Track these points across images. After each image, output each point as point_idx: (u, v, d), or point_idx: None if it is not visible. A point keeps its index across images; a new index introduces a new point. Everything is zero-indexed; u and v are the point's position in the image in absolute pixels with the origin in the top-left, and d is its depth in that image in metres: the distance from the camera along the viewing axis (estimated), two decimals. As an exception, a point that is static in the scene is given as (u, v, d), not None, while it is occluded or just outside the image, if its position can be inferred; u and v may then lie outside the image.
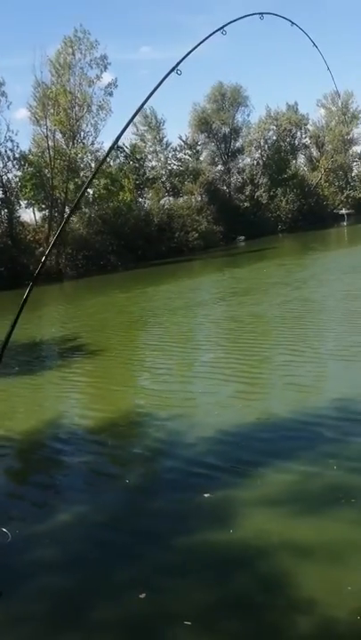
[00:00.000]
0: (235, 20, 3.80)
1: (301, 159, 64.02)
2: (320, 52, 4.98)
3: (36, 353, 13.84)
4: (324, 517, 4.73)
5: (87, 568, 4.45)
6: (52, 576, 4.34)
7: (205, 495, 5.29)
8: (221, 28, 3.32)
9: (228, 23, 3.58)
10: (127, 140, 45.85)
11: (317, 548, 4.33)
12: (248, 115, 56.05)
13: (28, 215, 39.38)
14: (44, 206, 38.54)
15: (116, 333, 14.67)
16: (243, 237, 47.44)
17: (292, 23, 4.66)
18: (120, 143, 43.39)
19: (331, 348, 10.54)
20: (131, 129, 49.35)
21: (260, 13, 4.26)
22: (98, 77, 35.52)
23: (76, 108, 35.68)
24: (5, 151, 35.15)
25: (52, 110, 34.91)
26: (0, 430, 7.87)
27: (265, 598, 3.85)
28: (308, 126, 62.84)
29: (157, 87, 2.66)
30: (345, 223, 56.40)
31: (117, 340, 13.76)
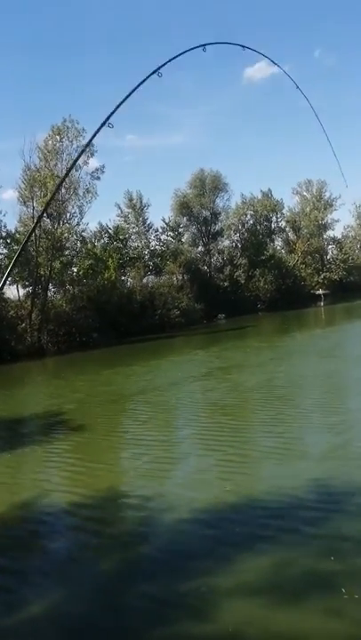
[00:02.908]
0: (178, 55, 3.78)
1: (279, 242, 66.98)
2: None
3: (16, 430, 13.68)
4: (301, 606, 4.67)
5: None
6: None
7: (183, 583, 5.18)
8: (158, 68, 3.30)
9: (168, 61, 3.50)
10: (111, 221, 47.64)
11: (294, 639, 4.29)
12: (228, 199, 58.91)
13: (12, 292, 39.89)
14: (27, 283, 39.15)
15: (97, 411, 14.64)
16: (223, 315, 48.46)
17: (244, 47, 5.24)
18: (104, 224, 45.04)
19: (311, 424, 10.72)
20: (115, 211, 51.42)
21: (203, 45, 4.47)
22: (85, 163, 37.39)
23: (63, 190, 37.17)
24: (-7, 230, 36.22)
25: (39, 193, 36.33)
26: None
27: None
28: (285, 211, 66.34)
29: (136, 88, 2.75)
30: (322, 303, 58.02)
31: (98, 417, 13.73)
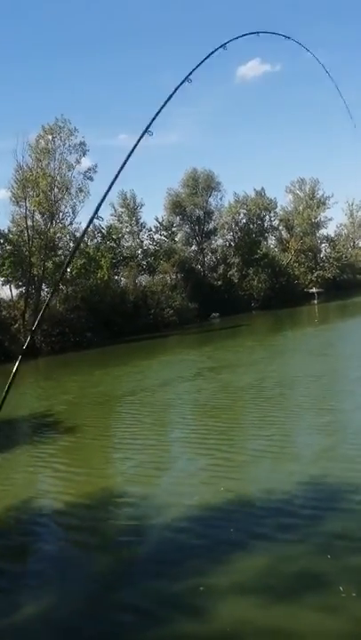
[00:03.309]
0: (236, 38, 3.74)
1: (272, 240, 67.04)
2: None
3: (6, 431, 13.64)
4: (298, 605, 4.66)
5: None
6: None
7: (178, 584, 5.19)
8: (223, 44, 3.22)
9: (230, 41, 3.49)
10: (104, 221, 47.55)
11: (290, 637, 4.29)
12: (221, 198, 58.90)
13: (4, 292, 39.81)
14: (20, 283, 39.05)
15: (87, 412, 14.63)
16: (217, 314, 48.47)
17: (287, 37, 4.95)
18: (97, 224, 44.92)
19: (303, 425, 10.76)
20: (109, 210, 51.28)
21: (255, 32, 4.31)
22: (77, 162, 37.29)
23: (56, 190, 37.08)
24: (-16, 230, 36.14)
25: (31, 192, 36.23)
26: None
27: None
28: (278, 210, 66.38)
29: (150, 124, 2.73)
30: (315, 301, 58.17)
31: (89, 418, 13.71)
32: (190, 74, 2.65)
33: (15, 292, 40.01)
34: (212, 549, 5.84)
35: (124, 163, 3.03)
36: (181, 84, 2.63)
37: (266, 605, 4.74)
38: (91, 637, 4.64)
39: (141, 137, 2.08)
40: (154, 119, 2.20)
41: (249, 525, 6.35)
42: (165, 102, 2.35)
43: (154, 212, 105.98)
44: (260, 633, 4.39)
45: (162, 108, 2.31)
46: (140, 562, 5.88)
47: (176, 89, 2.58)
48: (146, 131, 2.12)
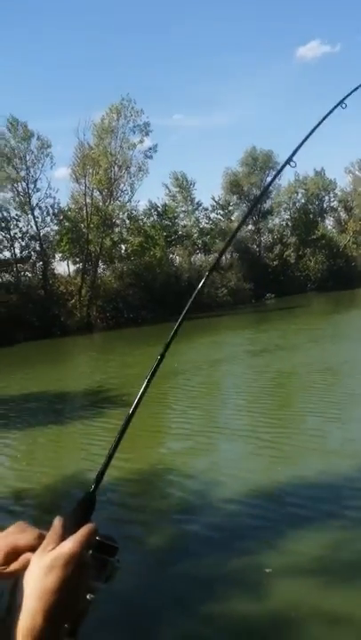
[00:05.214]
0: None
1: (330, 221, 65.16)
2: None
3: (63, 403, 14.04)
4: (353, 587, 4.63)
5: (105, 636, 4.18)
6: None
7: (231, 561, 5.20)
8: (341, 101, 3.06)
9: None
10: (159, 199, 47.67)
11: (347, 620, 4.24)
12: (279, 178, 57.61)
13: (62, 267, 40.72)
14: (78, 259, 39.81)
15: (152, 384, 14.79)
16: (272, 295, 47.89)
17: None
18: (153, 202, 45.14)
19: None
20: (163, 190, 51.35)
21: None
22: (140, 142, 37.46)
23: (116, 168, 37.38)
24: (46, 207, 36.92)
25: (91, 170, 36.67)
26: (22, 483, 7.90)
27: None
28: (337, 191, 64.34)
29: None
30: (374, 285, 56.44)
31: (153, 390, 13.84)
32: (345, 99, 2.37)
33: (73, 268, 40.90)
34: (267, 529, 5.81)
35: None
36: (334, 108, 2.39)
37: (322, 587, 4.70)
38: (143, 608, 4.70)
39: (283, 167, 1.96)
40: (298, 149, 2.03)
41: (305, 508, 6.28)
42: (313, 130, 2.18)
43: (207, 194, 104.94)
44: (316, 614, 4.34)
45: (309, 135, 2.15)
46: (194, 538, 5.89)
47: (327, 114, 2.37)
48: (288, 161, 1.97)
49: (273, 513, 6.20)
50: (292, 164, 1.99)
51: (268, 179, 56.50)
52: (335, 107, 2.39)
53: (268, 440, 8.94)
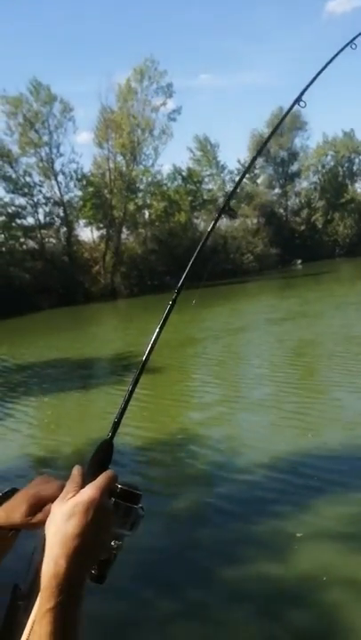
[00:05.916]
0: None
1: (360, 185, 63.12)
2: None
3: (89, 369, 14.00)
4: None
5: (128, 599, 4.17)
6: (90, 605, 4.22)
7: (257, 524, 5.09)
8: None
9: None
10: (184, 163, 46.69)
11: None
12: (307, 139, 55.94)
13: (86, 234, 40.47)
14: (101, 225, 39.48)
15: (171, 352, 14.62)
16: (300, 261, 46.97)
17: None
18: (177, 166, 44.22)
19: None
20: (187, 154, 50.29)
21: None
22: (163, 104, 36.49)
23: (139, 132, 36.57)
24: (69, 172, 36.48)
25: (114, 134, 35.95)
26: (49, 441, 8.03)
27: (319, 634, 3.68)
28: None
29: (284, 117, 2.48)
30: None
31: (172, 358, 13.68)
32: (354, 39, 2.27)
33: (96, 234, 40.62)
34: (294, 495, 5.68)
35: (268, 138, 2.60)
36: (344, 48, 2.24)
37: (348, 553, 4.58)
38: (169, 570, 4.66)
39: (292, 107, 1.82)
40: (306, 88, 1.86)
41: (334, 474, 6.11)
42: (322, 69, 2.01)
43: (234, 156, 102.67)
44: (342, 580, 4.21)
45: (318, 74, 1.99)
46: (219, 501, 5.81)
47: (337, 54, 2.19)
48: (298, 100, 1.82)
49: (297, 482, 6.02)
50: (301, 103, 1.91)
51: (297, 140, 54.76)
52: (345, 46, 2.32)
53: (290, 410, 8.67)
